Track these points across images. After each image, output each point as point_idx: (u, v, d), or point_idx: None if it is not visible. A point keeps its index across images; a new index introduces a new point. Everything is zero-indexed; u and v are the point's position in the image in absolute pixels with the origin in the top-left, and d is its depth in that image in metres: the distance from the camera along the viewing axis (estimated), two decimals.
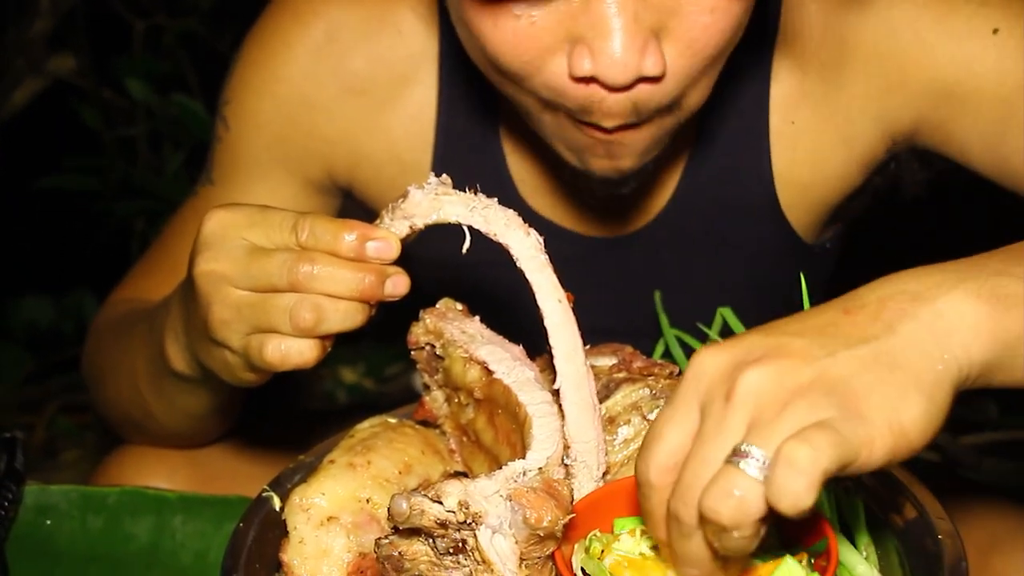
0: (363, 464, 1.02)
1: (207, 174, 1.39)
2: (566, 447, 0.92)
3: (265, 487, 1.06)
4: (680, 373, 1.07)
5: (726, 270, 1.38)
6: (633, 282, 1.38)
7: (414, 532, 0.88)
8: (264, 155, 1.34)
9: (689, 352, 1.22)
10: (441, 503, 0.84)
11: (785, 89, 1.26)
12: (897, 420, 0.71)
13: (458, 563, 0.87)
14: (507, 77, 1.03)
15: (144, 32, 3.01)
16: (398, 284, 0.92)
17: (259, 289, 0.91)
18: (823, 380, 0.71)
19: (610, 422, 1.00)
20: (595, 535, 0.89)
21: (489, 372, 1.00)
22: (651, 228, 1.34)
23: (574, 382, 0.92)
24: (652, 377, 1.03)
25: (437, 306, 1.11)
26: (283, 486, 1.06)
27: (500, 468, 0.87)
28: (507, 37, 0.98)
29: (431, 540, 0.87)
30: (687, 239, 1.35)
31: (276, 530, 1.00)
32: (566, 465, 0.92)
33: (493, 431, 1.01)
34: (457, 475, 0.88)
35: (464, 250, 0.91)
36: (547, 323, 0.91)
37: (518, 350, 1.03)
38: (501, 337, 1.06)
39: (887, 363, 0.73)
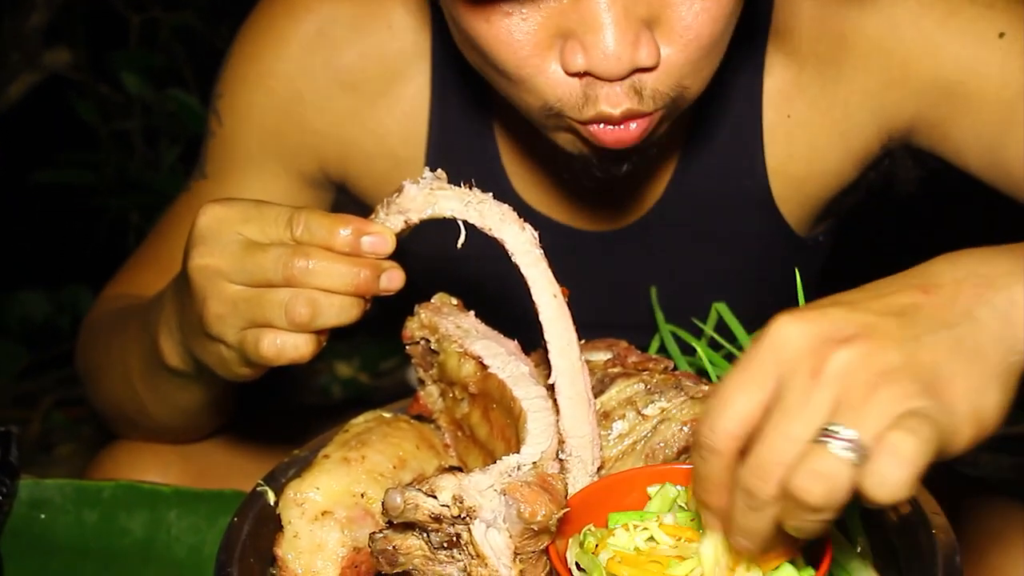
0: (357, 459, 1.02)
1: (200, 168, 1.39)
2: (561, 442, 0.92)
3: (260, 481, 1.06)
4: (675, 368, 1.07)
5: (719, 263, 1.38)
6: (627, 276, 1.38)
7: (408, 526, 0.88)
8: (257, 149, 1.34)
9: (684, 347, 1.22)
10: (435, 497, 0.84)
11: (779, 83, 1.26)
12: (979, 409, 0.71)
13: (452, 557, 0.87)
14: (509, 80, 1.03)
15: (140, 26, 3.01)
16: (393, 279, 0.92)
17: (254, 284, 0.91)
18: (911, 365, 0.71)
19: (604, 417, 1.00)
20: (590, 530, 0.89)
21: (484, 367, 1.00)
22: (645, 222, 1.34)
23: (569, 377, 0.92)
24: (647, 372, 1.03)
25: (432, 301, 1.11)
26: (277, 480, 1.06)
27: (494, 463, 0.87)
28: (500, 35, 0.98)
29: (425, 534, 0.87)
30: (680, 233, 1.35)
31: (270, 524, 1.00)
32: (560, 460, 0.92)
33: (488, 426, 1.01)
34: (451, 470, 0.88)
35: (459, 245, 0.90)
36: (542, 318, 0.91)
37: (513, 345, 1.03)
38: (496, 332, 1.06)
39: (969, 351, 0.73)
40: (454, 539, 0.86)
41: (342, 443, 1.04)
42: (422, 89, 1.32)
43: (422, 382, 1.11)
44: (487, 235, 0.91)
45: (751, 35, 1.24)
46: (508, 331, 1.05)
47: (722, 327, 1.18)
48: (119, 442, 1.35)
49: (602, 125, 1.03)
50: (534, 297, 0.91)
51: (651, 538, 0.87)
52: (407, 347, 1.10)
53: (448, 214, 0.92)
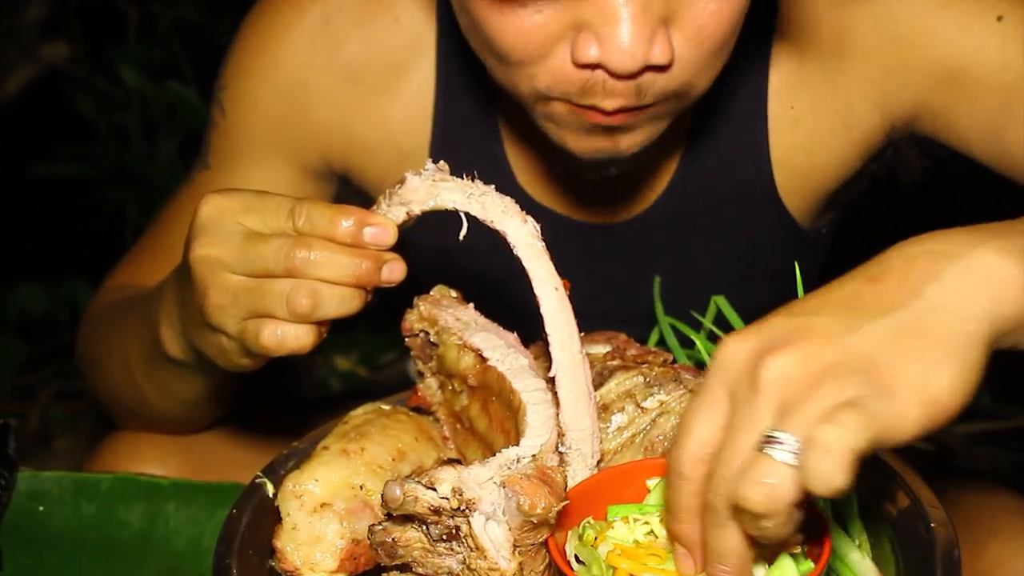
0: (357, 451, 1.02)
1: (203, 159, 1.38)
2: (560, 434, 0.92)
3: (258, 473, 1.06)
4: (674, 361, 1.07)
5: (723, 256, 1.38)
6: (629, 269, 1.38)
7: (407, 519, 0.88)
8: (260, 140, 1.34)
9: (684, 340, 1.22)
10: (435, 490, 0.85)
11: (784, 75, 1.26)
12: (927, 390, 0.71)
13: (451, 549, 0.87)
14: (507, 64, 1.03)
15: (138, 20, 3.00)
16: (394, 270, 0.92)
17: (255, 274, 0.91)
18: (848, 358, 0.71)
19: (604, 410, 1.00)
20: (589, 522, 0.89)
21: (483, 359, 1.00)
22: (648, 215, 1.34)
23: (569, 370, 0.92)
24: (646, 365, 1.03)
25: (431, 293, 1.11)
26: (276, 472, 1.06)
27: (494, 455, 0.87)
28: (513, 26, 0.98)
29: (424, 527, 0.87)
30: (684, 225, 1.35)
31: (269, 516, 1.00)
32: (560, 452, 0.92)
33: (487, 418, 1.01)
34: (451, 462, 0.88)
35: (461, 237, 0.90)
36: (543, 310, 0.91)
37: (512, 337, 1.03)
38: (496, 324, 1.06)
39: (913, 331, 0.72)
40: (453, 531, 0.86)
41: (341, 435, 1.04)
42: (427, 81, 1.32)
43: (421, 374, 1.11)
44: (489, 227, 0.91)
45: (759, 29, 1.24)
46: (508, 324, 1.05)
47: (721, 320, 1.18)
48: (118, 434, 1.35)
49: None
50: (535, 290, 0.91)
51: (650, 531, 0.87)
52: (406, 339, 1.10)
53: (450, 206, 0.91)
